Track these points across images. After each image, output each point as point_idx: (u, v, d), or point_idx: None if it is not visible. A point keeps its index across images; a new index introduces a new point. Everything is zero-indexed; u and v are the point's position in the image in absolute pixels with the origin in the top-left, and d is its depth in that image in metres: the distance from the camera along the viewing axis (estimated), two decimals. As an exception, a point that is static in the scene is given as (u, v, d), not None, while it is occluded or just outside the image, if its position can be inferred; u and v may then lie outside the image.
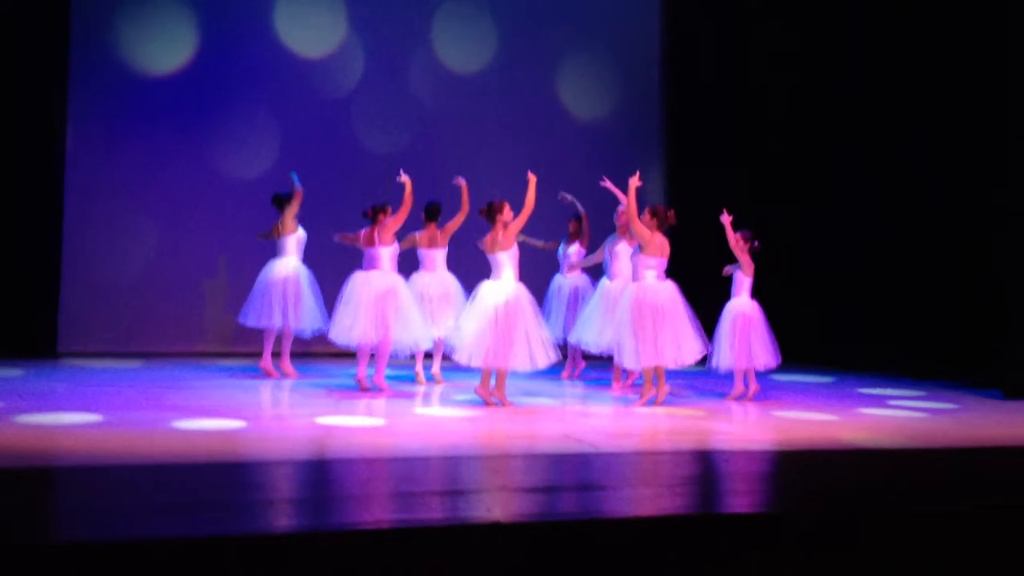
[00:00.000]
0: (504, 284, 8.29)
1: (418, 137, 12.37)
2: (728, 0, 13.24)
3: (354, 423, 7.55)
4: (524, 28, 12.83)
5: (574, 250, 10.49)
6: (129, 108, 11.58)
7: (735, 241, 9.10)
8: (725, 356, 9.06)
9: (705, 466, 6.53)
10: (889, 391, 10.07)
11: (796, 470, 6.43)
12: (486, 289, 8.31)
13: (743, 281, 9.21)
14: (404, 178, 9.21)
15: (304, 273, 9.79)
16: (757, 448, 7.13)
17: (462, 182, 9.35)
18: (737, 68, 13.08)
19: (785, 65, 12.89)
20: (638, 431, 7.69)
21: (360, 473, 5.89)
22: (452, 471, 6.06)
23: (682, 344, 8.48)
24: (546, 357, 8.27)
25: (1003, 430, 8.01)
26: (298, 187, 9.77)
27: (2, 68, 10.59)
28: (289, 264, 9.75)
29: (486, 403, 8.30)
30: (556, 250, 10.75)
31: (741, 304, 9.19)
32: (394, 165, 11.94)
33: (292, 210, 9.76)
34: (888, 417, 8.50)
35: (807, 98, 12.82)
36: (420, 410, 8.35)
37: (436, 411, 8.32)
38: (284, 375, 9.78)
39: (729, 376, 9.28)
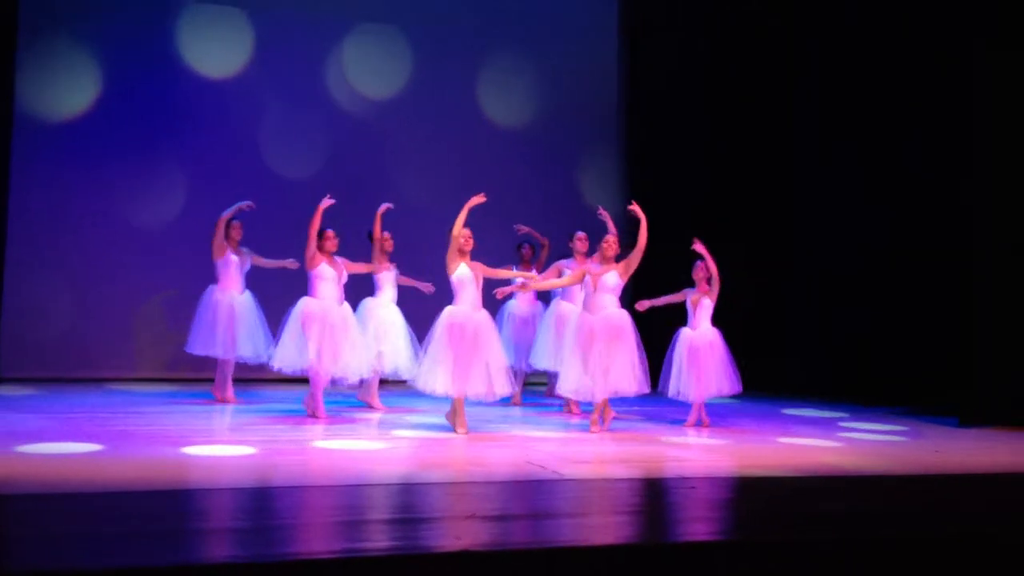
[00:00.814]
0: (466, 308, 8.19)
1: (333, 160, 12.17)
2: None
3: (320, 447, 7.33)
4: (444, 41, 12.73)
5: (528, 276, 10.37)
6: (76, 119, 11.33)
7: (713, 266, 8.97)
8: (683, 385, 8.95)
9: (665, 494, 6.39)
10: (828, 414, 10.12)
11: (761, 497, 6.31)
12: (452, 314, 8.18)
13: (708, 307, 9.07)
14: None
15: (241, 299, 9.59)
16: (719, 475, 7.00)
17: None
18: (694, 64, 13.04)
19: (749, 59, 12.85)
20: (604, 457, 7.57)
21: (317, 501, 5.67)
22: (416, 499, 5.92)
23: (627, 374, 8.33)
24: (505, 385, 8.16)
25: (963, 457, 7.94)
26: (224, 214, 9.59)
27: None
28: (227, 291, 9.57)
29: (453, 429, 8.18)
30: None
31: (704, 333, 9.03)
32: (308, 190, 11.80)
33: (215, 237, 9.57)
34: (856, 441, 8.45)
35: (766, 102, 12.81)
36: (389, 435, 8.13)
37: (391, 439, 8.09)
38: (224, 401, 9.61)
39: (680, 403, 9.16)
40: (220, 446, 7.27)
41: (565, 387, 8.53)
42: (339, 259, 8.97)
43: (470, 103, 12.86)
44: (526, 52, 13.02)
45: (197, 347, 9.53)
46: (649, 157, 13.09)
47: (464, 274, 8.17)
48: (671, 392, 9.02)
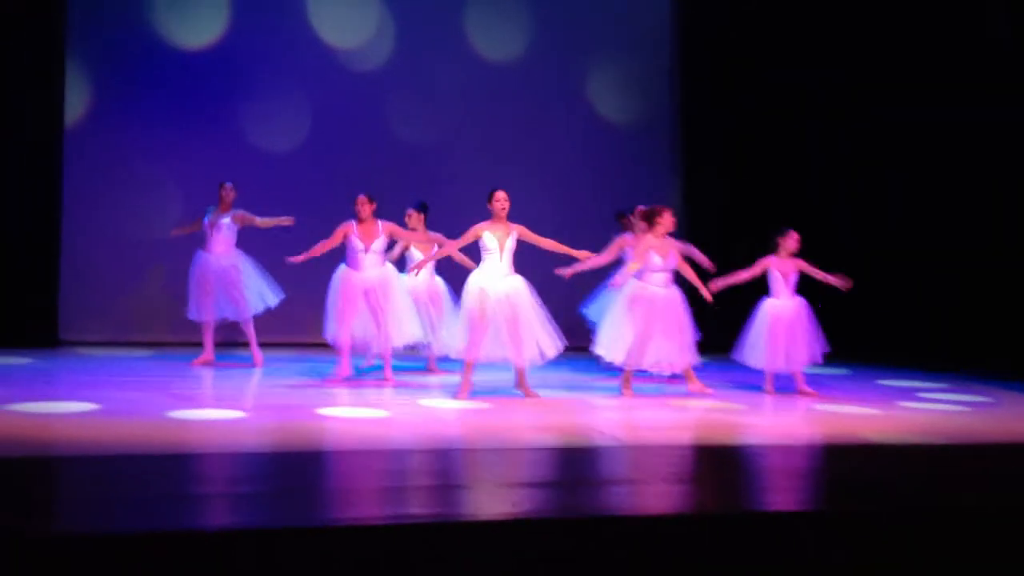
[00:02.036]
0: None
1: (441, 125, 12.09)
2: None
3: (362, 415, 7.25)
4: (556, 21, 12.47)
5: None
6: (131, 86, 11.26)
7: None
8: (773, 356, 8.80)
9: (739, 461, 6.20)
10: (913, 383, 9.78)
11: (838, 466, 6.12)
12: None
13: (793, 277, 8.91)
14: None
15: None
16: (794, 443, 6.78)
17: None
18: (756, 68, 12.59)
19: (806, 64, 12.42)
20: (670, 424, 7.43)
21: (376, 465, 5.57)
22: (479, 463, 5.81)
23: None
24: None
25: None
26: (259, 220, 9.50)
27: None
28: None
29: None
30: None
31: (790, 302, 8.86)
32: (418, 153, 11.77)
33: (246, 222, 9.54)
34: (927, 411, 8.17)
35: (827, 100, 12.44)
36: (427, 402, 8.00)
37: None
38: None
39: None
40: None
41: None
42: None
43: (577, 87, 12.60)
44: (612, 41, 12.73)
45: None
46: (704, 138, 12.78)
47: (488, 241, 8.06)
48: (755, 362, 8.87)
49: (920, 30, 11.40)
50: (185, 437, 6.19)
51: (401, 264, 9.35)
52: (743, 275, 8.86)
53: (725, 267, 8.96)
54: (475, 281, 7.95)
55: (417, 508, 4.55)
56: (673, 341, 8.35)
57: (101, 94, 11.17)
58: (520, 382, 8.12)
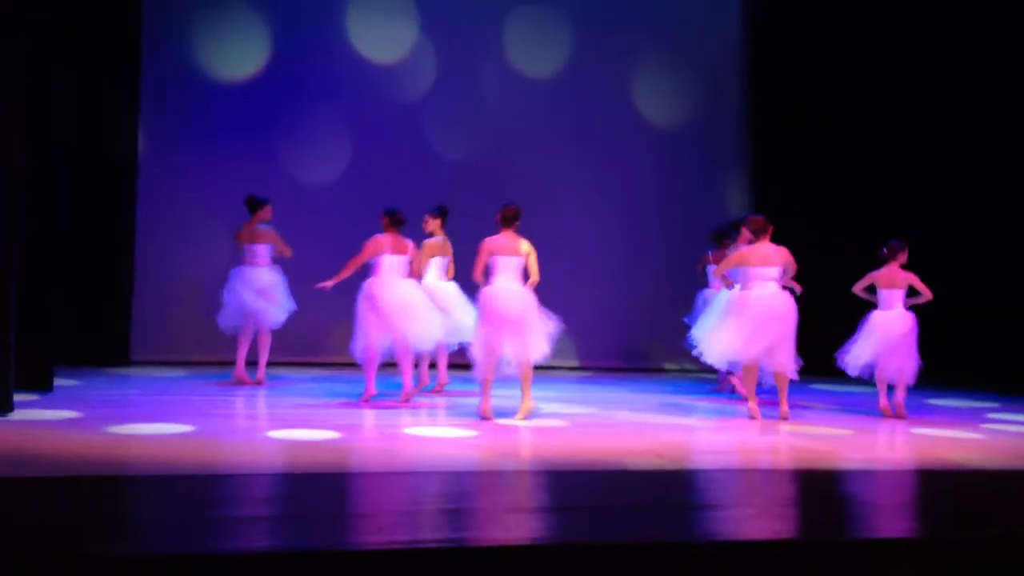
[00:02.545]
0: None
1: (489, 142, 12.33)
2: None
3: (449, 434, 7.46)
4: (599, 32, 12.63)
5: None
6: (201, 115, 11.66)
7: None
8: (880, 369, 8.88)
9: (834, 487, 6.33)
10: (972, 404, 9.91)
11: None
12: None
13: (902, 291, 8.96)
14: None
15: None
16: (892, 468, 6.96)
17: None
18: (822, 71, 12.72)
19: (874, 64, 12.56)
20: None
21: (431, 488, 5.79)
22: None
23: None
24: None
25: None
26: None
27: (75, 77, 10.54)
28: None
29: None
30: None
31: (899, 315, 8.89)
32: (464, 169, 12.03)
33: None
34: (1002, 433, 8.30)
35: (899, 101, 12.51)
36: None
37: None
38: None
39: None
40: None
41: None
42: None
43: (623, 98, 12.77)
44: (663, 46, 12.89)
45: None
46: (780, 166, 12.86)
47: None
48: (862, 372, 8.96)
49: (1000, 26, 11.41)
50: (296, 457, 6.48)
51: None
52: (864, 283, 9.02)
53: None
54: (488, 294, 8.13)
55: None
56: (775, 345, 8.41)
57: (168, 131, 11.57)
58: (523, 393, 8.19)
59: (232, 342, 9.93)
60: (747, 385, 8.70)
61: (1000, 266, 11.48)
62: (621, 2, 12.71)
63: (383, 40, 12.11)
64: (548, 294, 8.40)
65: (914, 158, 12.36)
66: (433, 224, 9.54)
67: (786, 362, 8.43)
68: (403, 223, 8.90)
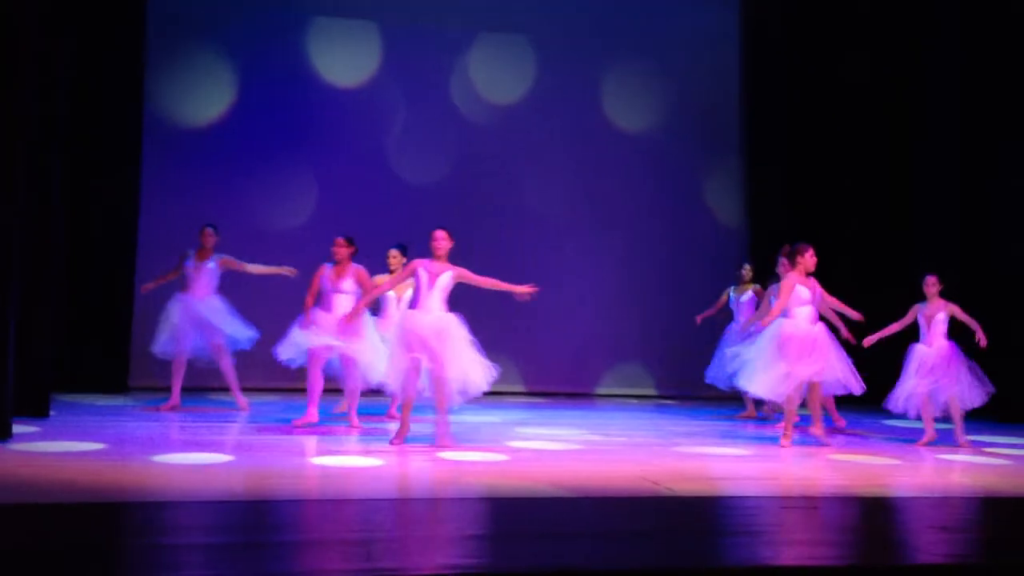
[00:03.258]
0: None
1: (458, 167, 12.37)
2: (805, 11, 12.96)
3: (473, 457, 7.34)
4: (568, 48, 12.74)
5: (747, 297, 10.73)
6: (188, 156, 11.71)
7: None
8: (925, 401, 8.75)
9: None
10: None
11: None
12: None
13: (942, 321, 8.78)
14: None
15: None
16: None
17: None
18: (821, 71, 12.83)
19: (879, 64, 12.61)
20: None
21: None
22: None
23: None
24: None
25: None
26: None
27: (82, 119, 10.58)
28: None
29: None
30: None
31: (940, 348, 8.73)
32: (432, 197, 11.95)
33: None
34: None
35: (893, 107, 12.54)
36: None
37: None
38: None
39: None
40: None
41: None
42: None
43: (593, 108, 12.88)
44: (648, 58, 12.98)
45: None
46: (771, 162, 12.96)
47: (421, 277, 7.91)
48: (905, 409, 8.82)
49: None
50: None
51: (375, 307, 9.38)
52: (894, 327, 8.89)
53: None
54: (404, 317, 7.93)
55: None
56: (823, 376, 8.41)
57: (166, 159, 11.56)
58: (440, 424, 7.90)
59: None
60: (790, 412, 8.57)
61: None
62: (591, 19, 12.82)
63: (347, 65, 12.18)
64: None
65: (918, 160, 12.29)
66: (397, 261, 9.42)
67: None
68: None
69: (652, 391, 12.72)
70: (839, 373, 8.41)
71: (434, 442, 7.79)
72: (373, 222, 11.14)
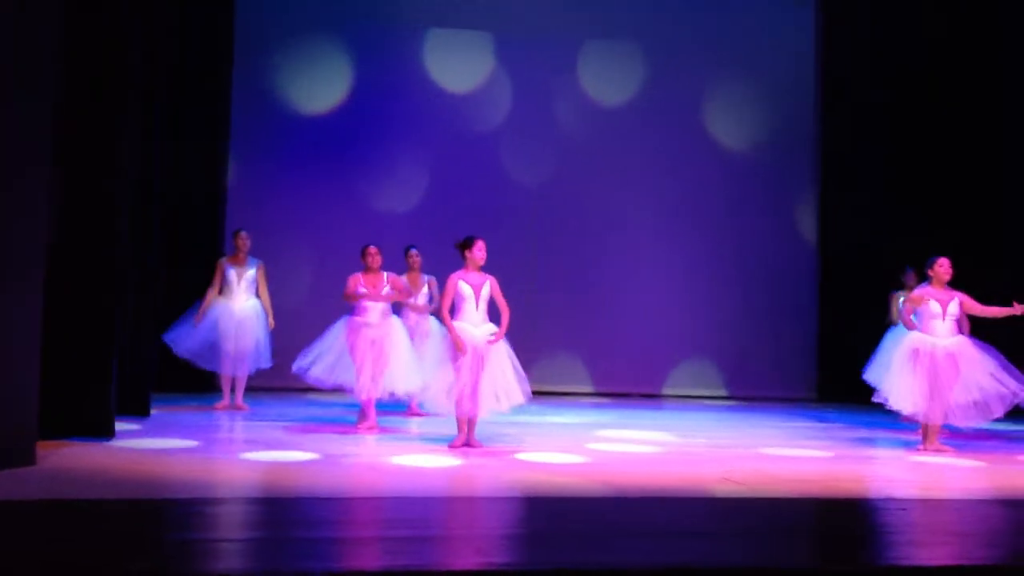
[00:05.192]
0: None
1: (564, 169, 12.61)
2: (887, 21, 12.95)
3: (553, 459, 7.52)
4: (671, 58, 12.92)
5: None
6: (285, 146, 12.04)
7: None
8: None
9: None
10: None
11: None
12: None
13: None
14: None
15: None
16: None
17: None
18: (896, 91, 12.80)
19: (949, 83, 12.55)
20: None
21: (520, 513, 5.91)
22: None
23: None
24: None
25: None
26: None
27: (170, 112, 10.70)
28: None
29: None
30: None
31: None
32: (541, 198, 12.26)
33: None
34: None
35: (972, 120, 12.46)
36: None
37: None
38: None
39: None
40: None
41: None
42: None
43: (687, 116, 13.03)
44: (737, 66, 13.11)
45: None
46: (846, 176, 13.01)
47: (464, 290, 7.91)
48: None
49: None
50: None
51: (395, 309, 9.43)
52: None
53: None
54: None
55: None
56: (953, 393, 8.18)
57: (258, 150, 12.02)
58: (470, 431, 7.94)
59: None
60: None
61: None
62: (693, 32, 12.95)
63: (460, 70, 12.52)
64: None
65: (994, 188, 12.26)
66: (415, 260, 9.81)
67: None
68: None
69: (721, 391, 12.83)
70: (980, 393, 8.10)
71: (451, 443, 7.86)
72: (480, 219, 11.34)
